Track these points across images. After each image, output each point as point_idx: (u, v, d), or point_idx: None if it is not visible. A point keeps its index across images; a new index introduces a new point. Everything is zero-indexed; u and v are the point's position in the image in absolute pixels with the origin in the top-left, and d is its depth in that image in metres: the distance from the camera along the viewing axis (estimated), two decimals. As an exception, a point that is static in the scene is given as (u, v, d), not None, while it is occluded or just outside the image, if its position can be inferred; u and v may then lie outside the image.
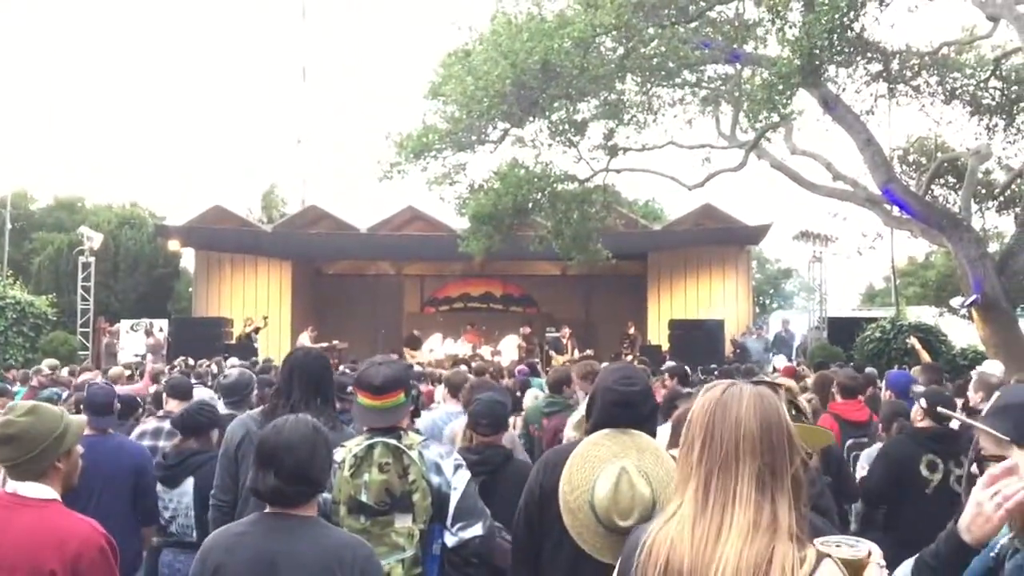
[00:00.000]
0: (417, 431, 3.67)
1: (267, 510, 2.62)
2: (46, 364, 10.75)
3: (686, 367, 9.45)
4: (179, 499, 4.69)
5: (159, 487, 4.78)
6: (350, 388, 6.45)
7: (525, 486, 3.17)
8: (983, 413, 2.27)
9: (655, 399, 3.14)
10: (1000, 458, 1.96)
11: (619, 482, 2.61)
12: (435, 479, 3.24)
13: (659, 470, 2.70)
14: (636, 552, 1.82)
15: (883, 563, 1.85)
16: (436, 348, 22.94)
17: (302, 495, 2.59)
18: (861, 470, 5.33)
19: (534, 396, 7.47)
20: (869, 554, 1.84)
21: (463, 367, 12.00)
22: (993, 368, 8.19)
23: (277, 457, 2.55)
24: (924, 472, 4.81)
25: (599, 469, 2.69)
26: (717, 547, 1.67)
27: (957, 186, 16.52)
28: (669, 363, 11.44)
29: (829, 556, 1.69)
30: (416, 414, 4.61)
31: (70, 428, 2.82)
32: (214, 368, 11.77)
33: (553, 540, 2.85)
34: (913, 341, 11.98)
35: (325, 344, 19.44)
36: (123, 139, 75.78)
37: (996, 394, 2.34)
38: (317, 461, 2.62)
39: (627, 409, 2.93)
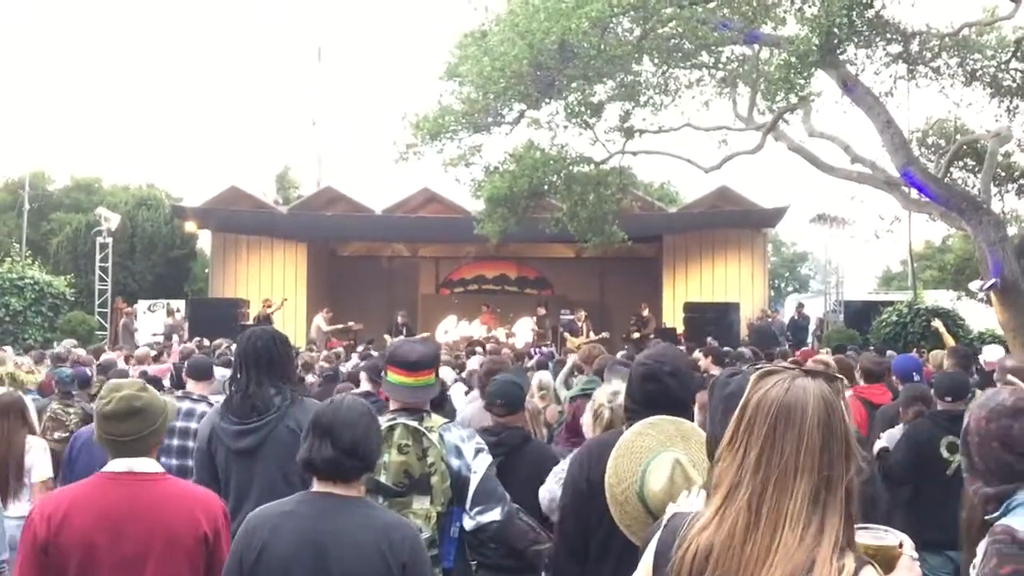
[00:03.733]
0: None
1: (314, 489, 2.63)
2: (66, 343, 10.83)
3: (725, 348, 9.51)
4: None
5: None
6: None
7: (567, 480, 3.10)
8: None
9: (691, 382, 3.09)
10: None
11: (673, 474, 2.56)
12: (455, 462, 3.25)
13: (704, 457, 2.68)
14: (673, 547, 1.71)
15: (916, 555, 1.76)
16: (451, 330, 23.00)
17: (356, 470, 2.62)
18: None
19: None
20: (900, 545, 1.76)
21: (479, 348, 12.10)
22: (994, 353, 8.16)
23: (335, 431, 2.58)
24: (944, 454, 4.86)
25: (646, 460, 2.65)
26: (764, 567, 1.57)
27: (976, 169, 16.36)
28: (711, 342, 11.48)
29: (871, 563, 1.60)
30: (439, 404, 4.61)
31: (169, 408, 3.01)
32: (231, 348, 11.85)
33: (604, 532, 2.81)
34: (937, 324, 11.74)
35: (340, 325, 19.54)
36: (140, 120, 76.07)
37: None
38: (372, 439, 2.68)
39: (657, 384, 2.90)
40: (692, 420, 2.91)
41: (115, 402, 2.81)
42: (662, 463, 2.61)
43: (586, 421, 4.42)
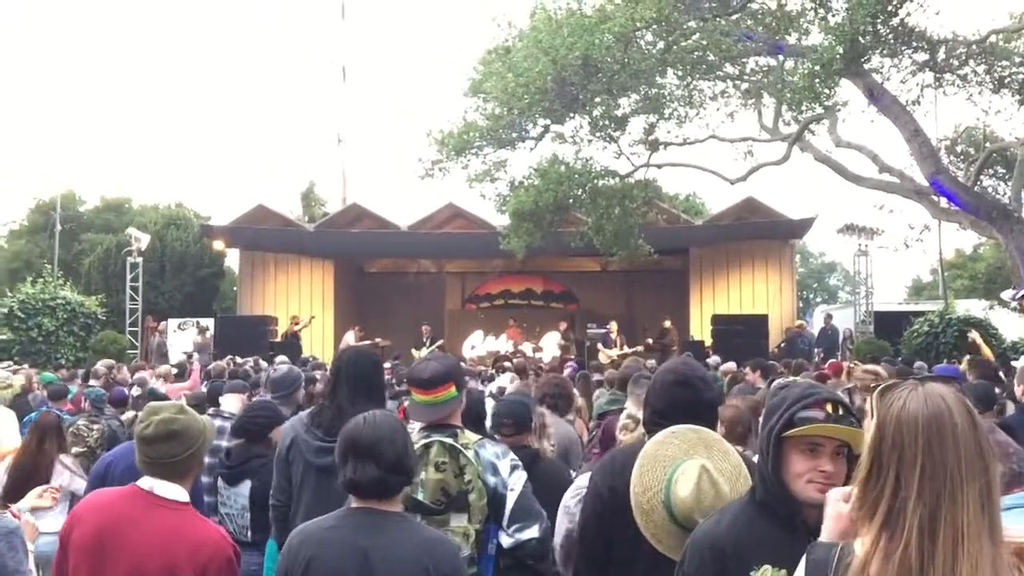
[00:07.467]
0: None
1: (354, 505, 2.64)
2: (102, 364, 10.93)
3: (770, 362, 9.47)
4: (235, 499, 4.72)
5: (219, 482, 4.83)
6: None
7: (589, 490, 3.10)
8: None
9: (714, 390, 3.09)
10: None
11: (700, 481, 2.56)
12: (491, 479, 3.23)
13: (727, 465, 2.67)
14: None
15: None
16: (478, 345, 22.99)
17: (401, 484, 2.64)
18: None
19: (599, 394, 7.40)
20: None
21: (505, 363, 12.09)
22: None
23: (377, 449, 2.58)
24: None
25: (671, 468, 2.66)
26: None
27: (1007, 176, 16.20)
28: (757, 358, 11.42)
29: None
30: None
31: (208, 429, 2.98)
32: (260, 366, 11.92)
33: (628, 543, 2.81)
34: (974, 335, 11.46)
35: (368, 342, 19.60)
36: (168, 140, 77.14)
37: None
38: (411, 452, 2.69)
39: (688, 389, 2.92)
40: (715, 429, 2.91)
41: (154, 425, 2.83)
42: (689, 470, 2.61)
43: (619, 439, 4.39)
